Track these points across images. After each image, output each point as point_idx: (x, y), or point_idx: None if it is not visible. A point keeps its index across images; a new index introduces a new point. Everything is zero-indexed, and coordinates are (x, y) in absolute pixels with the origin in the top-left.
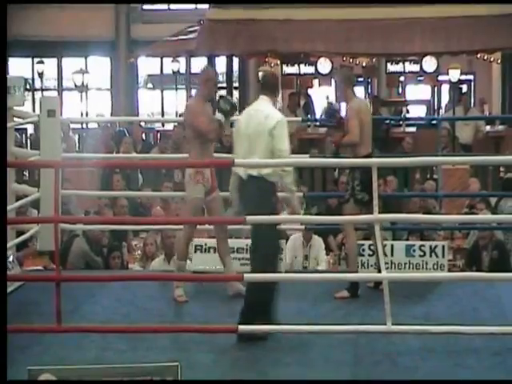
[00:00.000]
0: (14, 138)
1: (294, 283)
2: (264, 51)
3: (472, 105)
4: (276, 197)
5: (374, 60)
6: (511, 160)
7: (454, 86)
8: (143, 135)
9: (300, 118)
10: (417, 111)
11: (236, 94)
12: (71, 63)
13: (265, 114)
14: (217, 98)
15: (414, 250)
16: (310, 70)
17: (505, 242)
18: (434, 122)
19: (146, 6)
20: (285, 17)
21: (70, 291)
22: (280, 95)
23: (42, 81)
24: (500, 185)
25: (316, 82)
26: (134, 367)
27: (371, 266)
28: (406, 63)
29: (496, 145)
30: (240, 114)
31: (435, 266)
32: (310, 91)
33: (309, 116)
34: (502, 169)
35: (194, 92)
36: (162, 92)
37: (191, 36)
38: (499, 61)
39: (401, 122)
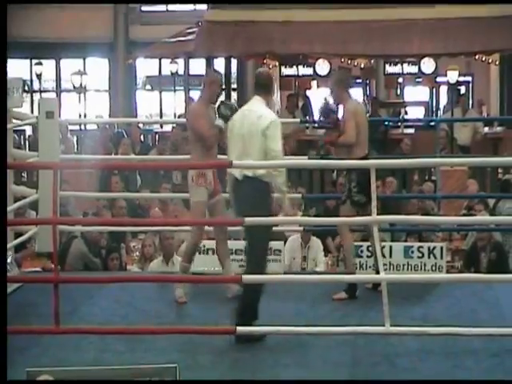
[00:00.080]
0: (12, 139)
1: (293, 284)
2: (262, 53)
3: (470, 106)
4: (272, 197)
5: (372, 61)
6: (509, 161)
7: (453, 88)
8: (141, 137)
9: (298, 120)
10: (415, 113)
11: (234, 95)
12: (69, 64)
13: (258, 114)
14: (218, 102)
15: (413, 252)
16: (309, 71)
17: (503, 243)
18: (433, 123)
19: (144, 8)
20: (283, 18)
21: (69, 293)
22: (278, 97)
23: (40, 82)
24: (498, 186)
25: (314, 83)
26: (133, 369)
27: (369, 267)
28: (405, 65)
29: (494, 146)
30: None
31: (433, 268)
32: (308, 93)
33: (307, 117)
34: (500, 170)
35: (192, 93)
36: (160, 93)
37: (189, 37)
38: (497, 62)
39: (399, 124)
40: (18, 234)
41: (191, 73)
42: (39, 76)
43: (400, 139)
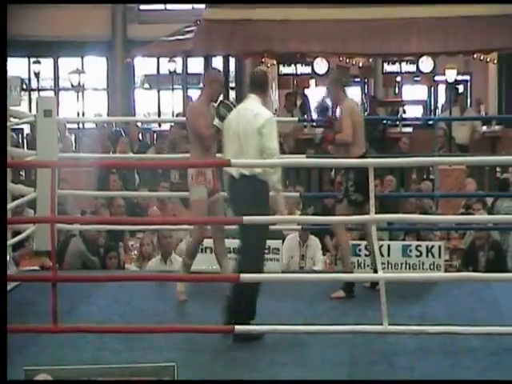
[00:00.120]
0: (10, 138)
1: (291, 283)
2: (260, 51)
3: (468, 105)
4: (269, 196)
5: (370, 60)
6: (507, 160)
7: (451, 87)
8: (140, 135)
9: (297, 118)
10: (413, 111)
11: (232, 94)
12: (68, 63)
13: (254, 112)
14: (218, 102)
15: (411, 251)
16: (307, 70)
17: (501, 242)
18: (431, 122)
19: (142, 6)
20: (281, 17)
21: (67, 291)
22: (277, 95)
23: (38, 81)
24: (496, 185)
25: (313, 82)
26: (131, 367)
27: (367, 266)
28: (403, 63)
29: (492, 145)
30: None
31: (431, 267)
32: (306, 91)
33: (305, 116)
34: (498, 169)
35: (190, 92)
36: (158, 92)
37: (188, 36)
38: (495, 61)
39: (397, 123)
40: (15, 233)
41: (189, 71)
42: (37, 74)
43: (398, 138)
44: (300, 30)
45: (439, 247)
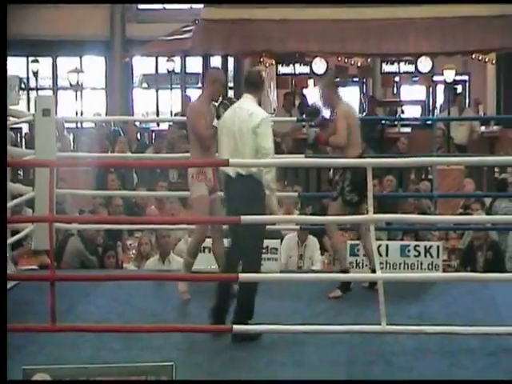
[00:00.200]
0: (9, 137)
1: (289, 283)
2: (259, 51)
3: (467, 105)
4: (265, 195)
5: (368, 60)
6: (506, 161)
7: (449, 87)
8: (138, 135)
9: (295, 118)
10: (412, 111)
11: (231, 93)
12: (66, 62)
13: (249, 111)
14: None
15: (409, 251)
16: (305, 69)
17: (499, 242)
18: (429, 122)
19: (141, 6)
20: (280, 17)
21: (65, 290)
22: (275, 95)
23: (36, 80)
24: (495, 185)
25: (311, 81)
26: (129, 367)
27: (366, 265)
28: (401, 63)
29: (491, 145)
30: None
31: (430, 267)
32: (305, 91)
33: (304, 116)
34: (496, 169)
35: (188, 91)
36: (156, 91)
37: (186, 36)
38: (494, 61)
39: (396, 123)
40: (14, 232)
41: (188, 71)
42: (36, 74)
43: (397, 138)
44: (299, 30)
45: (437, 247)
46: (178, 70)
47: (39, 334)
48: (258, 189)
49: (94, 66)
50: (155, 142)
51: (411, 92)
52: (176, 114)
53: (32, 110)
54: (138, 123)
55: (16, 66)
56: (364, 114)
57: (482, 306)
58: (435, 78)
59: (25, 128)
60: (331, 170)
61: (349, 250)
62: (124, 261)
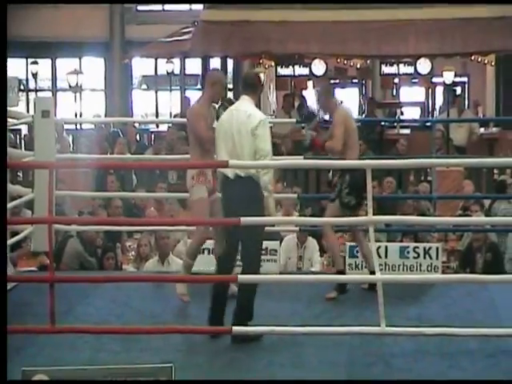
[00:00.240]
0: (8, 138)
1: (288, 284)
2: (258, 52)
3: (466, 107)
4: (263, 196)
5: (368, 62)
6: (505, 162)
7: (448, 88)
8: (137, 136)
9: (294, 120)
10: (411, 113)
11: (230, 95)
12: (65, 64)
13: (247, 113)
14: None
15: (408, 252)
16: (305, 71)
17: (498, 244)
18: (428, 123)
19: (140, 7)
20: (279, 18)
21: (64, 292)
22: (274, 97)
23: (36, 81)
24: (494, 187)
25: (310, 83)
26: (128, 368)
27: (365, 267)
28: (401, 65)
29: (490, 147)
30: None
31: (429, 268)
32: (304, 93)
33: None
34: (495, 171)
35: (188, 93)
36: (156, 93)
37: (186, 37)
38: (493, 63)
39: (395, 124)
40: (13, 233)
41: (187, 72)
42: (35, 75)
43: (396, 139)
44: (298, 32)
45: (437, 249)
46: (177, 71)
47: (38, 336)
48: (256, 190)
49: (93, 68)
50: (154, 144)
51: (410, 93)
52: (175, 116)
53: (31, 112)
54: (137, 124)
55: (15, 67)
56: (363, 115)
57: (481, 308)
58: (434, 80)
59: (24, 129)
60: (330, 172)
61: (348, 251)
62: (123, 262)
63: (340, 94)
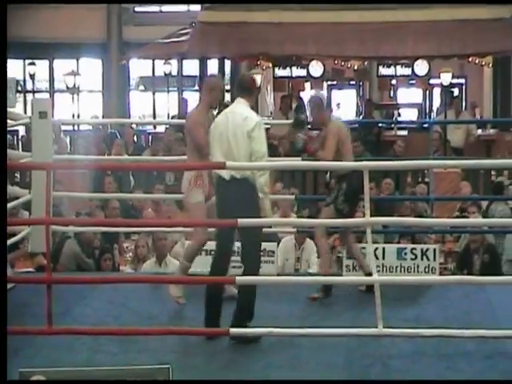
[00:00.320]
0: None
1: (286, 286)
2: (256, 54)
3: (463, 108)
4: (259, 198)
5: (365, 63)
6: (502, 164)
7: (446, 90)
8: (135, 137)
9: (292, 121)
10: (408, 114)
11: (228, 96)
12: (63, 65)
13: (243, 116)
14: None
15: (406, 253)
16: (302, 72)
17: (496, 245)
18: (426, 125)
19: (137, 8)
20: (277, 20)
21: (61, 293)
22: (272, 98)
23: (33, 82)
24: (491, 188)
25: (308, 84)
26: (126, 370)
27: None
28: (398, 66)
29: (487, 148)
30: None
31: (426, 269)
32: (301, 94)
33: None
34: (493, 172)
35: (185, 94)
36: (153, 94)
37: (183, 38)
38: (490, 65)
39: (392, 126)
40: (10, 235)
41: (184, 74)
42: (32, 76)
43: (393, 141)
44: (296, 33)
45: (434, 250)
46: (174, 72)
47: (36, 337)
48: (252, 192)
49: (90, 69)
50: (152, 145)
51: (408, 95)
52: (173, 117)
53: (29, 113)
54: (134, 126)
55: (13, 68)
56: (361, 117)
57: (479, 309)
58: (432, 81)
59: (21, 130)
60: (328, 173)
61: (345, 253)
62: (121, 263)
63: (337, 95)
